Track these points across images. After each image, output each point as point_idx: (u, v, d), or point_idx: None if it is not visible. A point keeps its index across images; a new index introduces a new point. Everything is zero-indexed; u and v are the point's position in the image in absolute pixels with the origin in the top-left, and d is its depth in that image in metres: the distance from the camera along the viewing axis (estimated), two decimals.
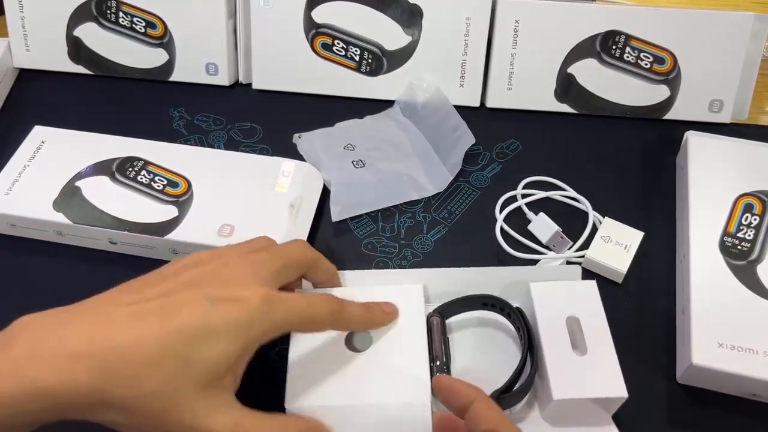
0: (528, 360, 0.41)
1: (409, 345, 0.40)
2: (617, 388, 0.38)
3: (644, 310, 0.49)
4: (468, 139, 0.56)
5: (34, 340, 0.32)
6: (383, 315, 0.40)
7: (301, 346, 0.40)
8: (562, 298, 0.42)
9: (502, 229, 0.52)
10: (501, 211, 0.54)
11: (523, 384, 0.39)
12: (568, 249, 0.51)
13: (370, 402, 0.38)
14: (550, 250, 0.52)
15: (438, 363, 0.40)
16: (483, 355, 0.43)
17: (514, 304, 0.43)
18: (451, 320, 0.44)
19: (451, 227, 0.54)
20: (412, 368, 0.39)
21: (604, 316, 0.42)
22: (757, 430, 0.43)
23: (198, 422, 0.32)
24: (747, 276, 0.46)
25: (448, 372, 0.41)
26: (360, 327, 0.40)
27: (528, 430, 0.40)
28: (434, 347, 0.41)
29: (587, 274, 0.50)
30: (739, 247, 0.48)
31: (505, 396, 0.38)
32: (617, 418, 0.41)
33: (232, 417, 0.33)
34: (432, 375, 0.40)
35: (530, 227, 0.53)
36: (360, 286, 0.43)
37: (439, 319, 0.42)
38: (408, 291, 0.43)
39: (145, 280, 0.36)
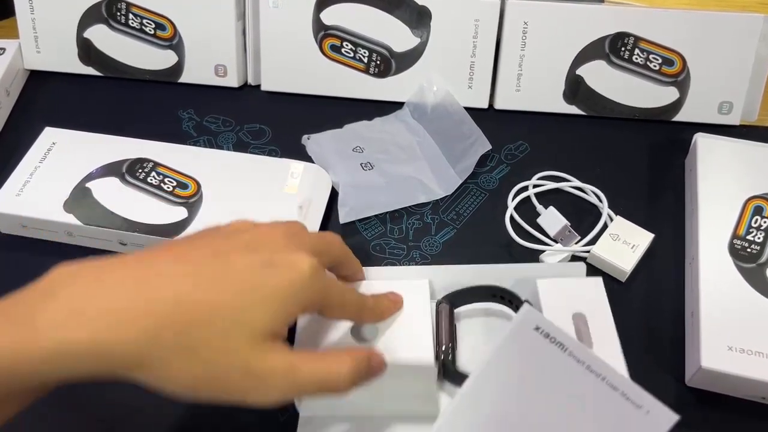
0: None
1: (414, 335, 0.40)
2: None
3: (652, 313, 0.49)
4: (483, 146, 0.56)
5: (77, 294, 0.31)
6: (390, 303, 0.41)
7: (306, 336, 0.40)
8: (569, 295, 0.43)
9: (512, 217, 0.53)
10: (513, 199, 0.54)
11: None
12: (575, 243, 0.52)
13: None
14: (557, 243, 0.52)
15: (444, 348, 0.41)
16: (490, 344, 0.43)
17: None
18: (459, 310, 0.45)
19: (459, 229, 0.54)
20: (417, 357, 0.39)
21: (609, 313, 0.42)
22: None
23: (251, 367, 0.32)
24: (756, 279, 0.46)
25: (453, 358, 0.41)
26: (373, 318, 0.40)
27: None
28: (441, 333, 0.41)
29: (591, 270, 0.50)
30: (748, 250, 0.48)
31: None
32: None
33: (285, 359, 0.33)
34: (437, 361, 0.40)
35: (539, 220, 0.53)
36: (368, 281, 0.44)
37: (448, 306, 0.43)
38: (414, 285, 0.43)
39: (192, 242, 0.36)
